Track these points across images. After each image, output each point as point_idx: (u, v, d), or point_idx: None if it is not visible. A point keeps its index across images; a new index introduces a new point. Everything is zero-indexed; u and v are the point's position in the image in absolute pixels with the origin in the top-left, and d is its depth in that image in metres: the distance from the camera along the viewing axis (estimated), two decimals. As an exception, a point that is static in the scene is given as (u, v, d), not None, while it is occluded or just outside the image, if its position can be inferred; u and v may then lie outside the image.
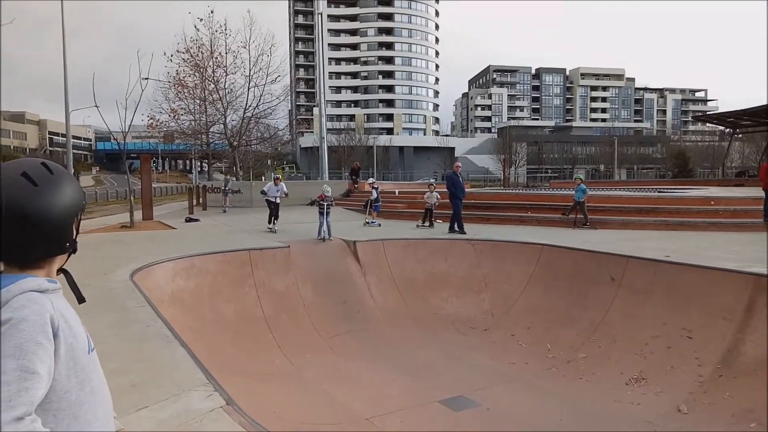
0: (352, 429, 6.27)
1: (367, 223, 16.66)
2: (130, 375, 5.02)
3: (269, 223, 15.01)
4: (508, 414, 7.09)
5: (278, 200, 15.29)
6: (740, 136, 48.50)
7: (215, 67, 32.96)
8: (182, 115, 33.83)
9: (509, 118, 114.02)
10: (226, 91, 33.15)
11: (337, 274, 11.69)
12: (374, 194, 17.96)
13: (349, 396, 7.46)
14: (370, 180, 20.46)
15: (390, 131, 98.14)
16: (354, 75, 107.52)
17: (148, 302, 7.40)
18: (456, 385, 7.99)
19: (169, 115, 33.07)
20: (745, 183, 26.37)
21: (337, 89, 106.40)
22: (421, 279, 12.04)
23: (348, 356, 9.11)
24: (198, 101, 33.93)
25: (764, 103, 29.19)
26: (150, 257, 10.17)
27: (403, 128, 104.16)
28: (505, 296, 11.17)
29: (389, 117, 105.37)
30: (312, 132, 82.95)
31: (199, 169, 63.38)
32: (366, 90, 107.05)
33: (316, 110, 73.71)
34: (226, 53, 32.68)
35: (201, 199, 26.62)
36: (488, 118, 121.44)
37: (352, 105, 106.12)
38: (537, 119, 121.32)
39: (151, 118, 32.31)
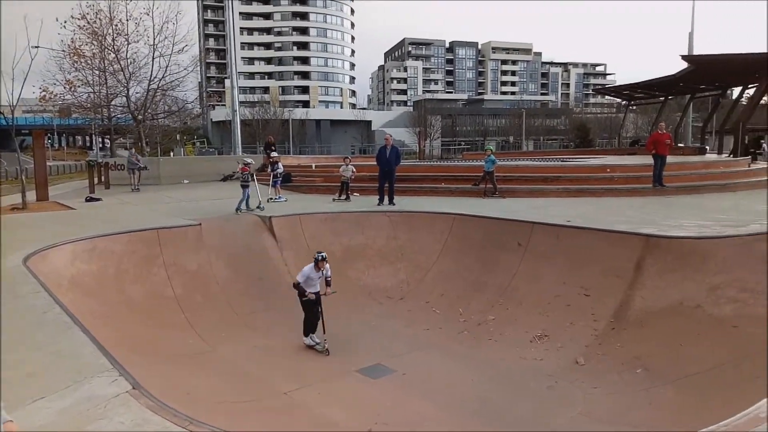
0: (269, 404, 6.27)
1: (272, 199, 16.04)
2: (26, 365, 4.71)
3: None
4: (424, 378, 7.35)
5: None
6: (634, 108, 52.09)
7: (115, 35, 30.67)
8: (79, 87, 31.32)
9: (424, 91, 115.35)
10: (129, 61, 31.00)
11: (252, 251, 11.47)
12: (279, 168, 17.39)
13: (266, 372, 7.42)
14: (274, 155, 19.32)
15: (306, 104, 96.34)
16: (267, 46, 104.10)
17: (43, 288, 6.91)
18: (374, 354, 8.17)
19: (65, 87, 30.51)
20: (637, 151, 28.44)
21: (250, 60, 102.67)
22: (339, 252, 12.06)
23: (265, 333, 9.03)
24: (97, 72, 31.51)
25: (656, 76, 31.47)
26: (46, 240, 9.47)
27: (320, 101, 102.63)
28: (420, 265, 11.46)
29: (305, 89, 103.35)
30: (224, 105, 79.81)
31: (100, 145, 59.29)
32: (280, 62, 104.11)
33: (227, 82, 70.94)
34: (128, 20, 30.47)
35: (103, 178, 24.99)
36: (404, 91, 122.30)
37: (266, 77, 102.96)
38: (451, 92, 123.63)
39: (44, 91, 29.66)
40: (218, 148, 63.43)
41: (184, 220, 11.66)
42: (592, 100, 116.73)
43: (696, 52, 33.14)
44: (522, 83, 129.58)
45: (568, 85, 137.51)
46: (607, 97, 67.57)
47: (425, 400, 6.61)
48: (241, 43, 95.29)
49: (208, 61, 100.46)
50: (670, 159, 16.33)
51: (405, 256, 11.84)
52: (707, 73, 26.90)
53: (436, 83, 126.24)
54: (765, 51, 23.16)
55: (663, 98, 36.18)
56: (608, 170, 17.69)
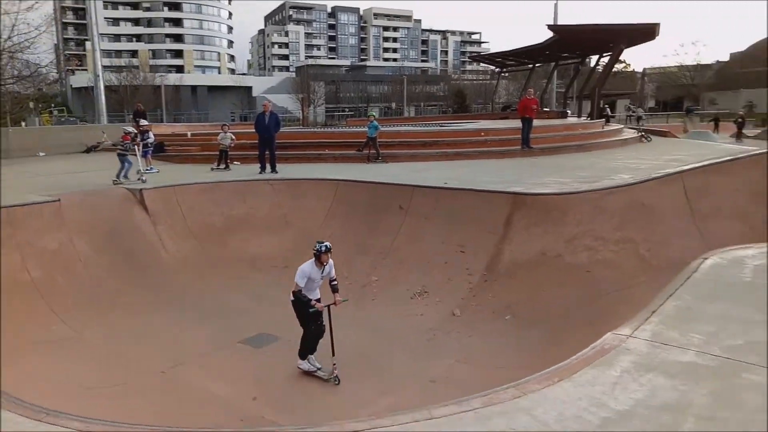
0: (144, 385, 5.96)
1: (141, 171, 14.39)
2: None
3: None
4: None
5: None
6: (506, 74, 54.94)
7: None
8: None
9: (307, 57, 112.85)
10: (-38, 19, 26.92)
11: (121, 227, 10.67)
12: (150, 137, 16.19)
13: (141, 352, 7.03)
14: (143, 123, 17.58)
15: (180, 69, 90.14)
16: (134, 5, 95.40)
17: None
18: (258, 323, 8.04)
19: None
20: (509, 116, 30.13)
21: (115, 21, 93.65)
22: (220, 223, 11.62)
23: (140, 311, 8.51)
24: None
25: (526, 45, 33.29)
26: None
27: (195, 66, 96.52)
28: (306, 232, 11.36)
29: (178, 53, 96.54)
30: (85, 70, 72.50)
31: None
32: (149, 23, 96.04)
33: (88, 44, 64.35)
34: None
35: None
36: (286, 57, 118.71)
37: (134, 39, 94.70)
38: (334, 58, 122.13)
39: None
40: (80, 117, 57.74)
41: (38, 197, 10.53)
42: (468, 67, 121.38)
43: (560, 22, 35.50)
44: (403, 50, 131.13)
45: (446, 52, 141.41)
46: (481, 64, 70.62)
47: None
48: (104, 1, 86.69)
49: (65, 20, 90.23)
50: (536, 122, 17.46)
51: (290, 223, 11.68)
52: (569, 43, 28.91)
53: (319, 49, 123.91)
54: (618, 23, 25.31)
55: (531, 65, 38.49)
56: (482, 134, 18.57)
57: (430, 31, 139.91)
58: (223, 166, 15.39)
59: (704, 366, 3.69)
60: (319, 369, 6.52)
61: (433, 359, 6.74)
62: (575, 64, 35.69)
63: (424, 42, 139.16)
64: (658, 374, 3.60)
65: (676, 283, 5.41)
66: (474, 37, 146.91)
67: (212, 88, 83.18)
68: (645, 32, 24.52)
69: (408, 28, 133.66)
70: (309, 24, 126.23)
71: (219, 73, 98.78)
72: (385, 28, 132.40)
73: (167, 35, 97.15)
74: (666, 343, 4.08)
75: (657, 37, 24.57)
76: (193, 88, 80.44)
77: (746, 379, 3.49)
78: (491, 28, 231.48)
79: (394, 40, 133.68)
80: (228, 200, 12.12)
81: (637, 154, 16.25)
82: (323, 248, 6.47)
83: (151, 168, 15.33)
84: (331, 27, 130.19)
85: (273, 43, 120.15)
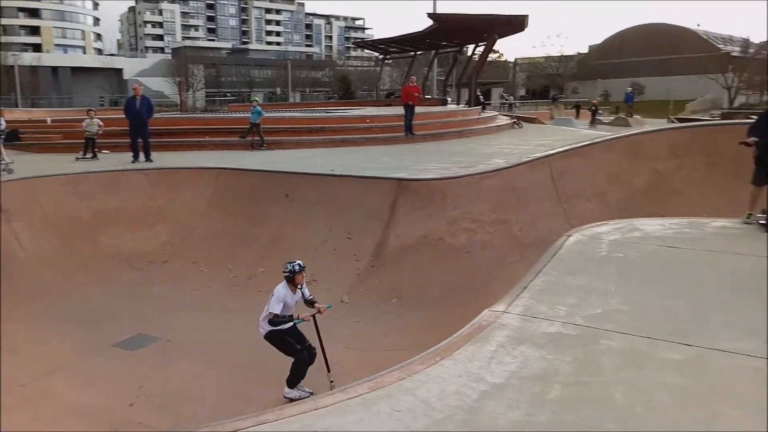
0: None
1: (4, 162, 12.87)
2: None
3: None
4: (192, 341, 7.06)
5: None
6: (390, 61, 55.88)
7: None
8: None
9: (184, 38, 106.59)
10: None
11: (-34, 225, 9.45)
12: (1, 124, 14.45)
13: (-3, 364, 6.30)
14: None
15: (38, 48, 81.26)
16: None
17: None
18: (134, 324, 7.54)
19: None
20: (392, 103, 30.73)
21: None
22: (87, 218, 10.69)
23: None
24: None
25: (408, 32, 33.98)
26: None
27: (56, 45, 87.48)
28: (185, 224, 10.82)
29: (35, 30, 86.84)
30: None
31: None
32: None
33: None
34: None
35: None
36: (160, 37, 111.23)
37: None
38: (213, 40, 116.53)
39: None
40: None
41: None
42: (353, 53, 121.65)
43: (440, 10, 36.63)
44: (287, 34, 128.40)
45: (331, 38, 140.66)
46: (366, 50, 71.14)
47: (193, 363, 6.38)
48: (-68, -33, 75.45)
49: None
50: (419, 109, 17.97)
51: (166, 216, 11.03)
52: (447, 31, 29.96)
53: (197, 30, 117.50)
54: (491, 14, 26.65)
55: (413, 53, 39.44)
56: (367, 121, 18.77)
57: (314, 15, 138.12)
58: (90, 155, 14.16)
59: (568, 335, 4.03)
60: (311, 394, 5.72)
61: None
62: (454, 53, 37.10)
63: (308, 26, 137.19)
64: (529, 346, 3.86)
65: (544, 259, 5.84)
66: (358, 23, 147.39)
67: (77, 70, 75.78)
68: (515, 23, 26.04)
69: (291, 11, 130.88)
70: (185, 2, 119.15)
71: (84, 53, 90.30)
72: (268, 11, 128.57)
73: (20, 9, 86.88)
74: (535, 316, 4.39)
75: (526, 29, 26.23)
76: (54, 69, 72.86)
77: (604, 344, 3.85)
78: (375, 14, 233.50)
79: (277, 23, 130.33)
80: (96, 193, 11.18)
81: (510, 139, 17.33)
82: (297, 267, 5.90)
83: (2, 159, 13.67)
84: (210, 7, 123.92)
85: (145, 22, 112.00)
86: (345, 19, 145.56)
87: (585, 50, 75.15)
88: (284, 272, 5.92)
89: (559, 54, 67.85)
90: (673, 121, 31.39)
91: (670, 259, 5.73)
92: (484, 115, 23.91)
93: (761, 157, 6.70)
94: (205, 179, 11.60)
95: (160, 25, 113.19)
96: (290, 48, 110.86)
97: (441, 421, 2.95)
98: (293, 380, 5.89)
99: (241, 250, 9.73)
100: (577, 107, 36.31)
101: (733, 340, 3.78)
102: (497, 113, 27.61)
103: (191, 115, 27.89)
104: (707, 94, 55.72)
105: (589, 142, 11.63)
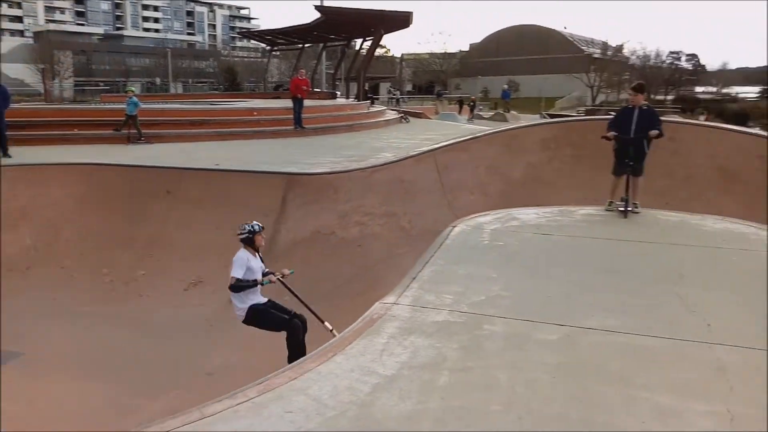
0: None
1: None
2: None
3: None
4: (62, 352, 6.46)
5: None
6: (277, 53, 54.70)
7: None
8: None
9: (47, 21, 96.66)
10: None
11: None
12: None
13: None
14: None
15: None
16: None
17: None
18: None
19: None
20: (281, 95, 30.11)
21: None
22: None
23: None
24: None
25: (296, 24, 33.40)
26: None
27: None
28: (52, 226, 9.85)
29: None
30: None
31: None
32: None
33: None
34: None
35: None
36: (19, 19, 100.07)
37: None
38: (83, 24, 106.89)
39: None
40: None
41: None
42: (239, 43, 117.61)
43: (328, 3, 36.39)
44: (166, 21, 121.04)
45: (214, 26, 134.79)
46: (252, 41, 69.03)
47: (64, 376, 5.84)
48: None
49: None
50: (308, 103, 17.77)
51: (30, 217, 9.95)
52: (334, 24, 29.89)
53: (63, 12, 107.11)
54: (377, 9, 26.92)
55: (301, 45, 38.90)
56: (255, 113, 18.23)
57: (196, 2, 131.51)
58: (-70, 150, 12.40)
59: (455, 323, 4.19)
60: None
61: (212, 351, 6.49)
62: (342, 47, 37.11)
63: (190, 14, 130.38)
64: (418, 336, 3.97)
65: (432, 250, 6.04)
66: (243, 12, 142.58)
67: None
68: (401, 19, 26.57)
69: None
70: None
71: None
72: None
73: None
74: (424, 306, 4.52)
75: (411, 25, 26.88)
76: None
77: (487, 329, 4.06)
78: (262, 4, 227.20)
79: (155, 8, 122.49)
80: (-60, 193, 9.83)
81: (398, 133, 17.71)
82: (256, 227, 5.47)
83: None
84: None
85: (1, 1, 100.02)
86: (229, 7, 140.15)
87: (466, 48, 78.65)
88: (240, 234, 5.46)
89: (442, 51, 70.53)
90: (544, 117, 33.84)
91: (545, 246, 6.17)
92: (372, 109, 24.19)
93: (619, 150, 7.42)
94: (76, 176, 10.62)
95: (18, 5, 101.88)
96: (170, 36, 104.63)
97: (334, 418, 2.95)
98: (295, 356, 5.30)
99: (118, 251, 9.05)
100: (460, 103, 37.95)
101: (600, 319, 4.15)
102: (385, 108, 28.07)
103: (57, 106, 25.46)
104: (574, 92, 60.82)
105: (470, 137, 12.20)
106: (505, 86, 43.72)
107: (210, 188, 9.90)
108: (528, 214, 7.49)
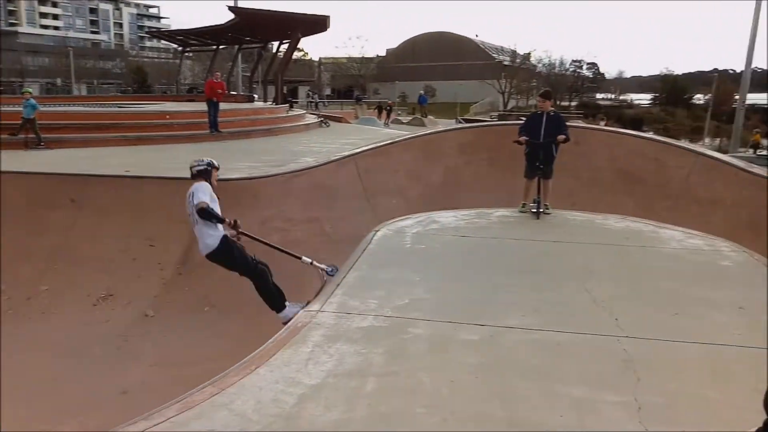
0: None
1: None
2: None
3: None
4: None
5: None
6: (190, 54, 52.73)
7: None
8: None
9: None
10: None
11: None
12: None
13: None
14: None
15: None
16: None
17: None
18: None
19: None
20: (195, 98, 29.02)
21: None
22: None
23: None
24: None
25: (211, 24, 32.30)
26: None
27: None
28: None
29: None
30: None
31: None
32: None
33: None
34: None
35: None
36: None
37: None
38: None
39: None
40: None
41: None
42: (148, 43, 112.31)
43: (242, 4, 35.54)
44: (67, 18, 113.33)
45: (121, 25, 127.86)
46: (163, 41, 66.05)
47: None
48: None
49: None
50: (224, 106, 17.24)
51: None
52: (250, 26, 29.23)
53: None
54: (294, 12, 26.62)
55: (216, 47, 37.71)
56: (167, 117, 17.46)
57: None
58: None
59: (379, 327, 4.22)
60: (308, 303, 5.02)
61: (125, 368, 6.12)
62: (258, 49, 36.40)
63: (93, 11, 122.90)
64: (344, 342, 3.96)
65: (356, 255, 6.06)
66: (152, 11, 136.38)
67: None
68: (318, 23, 26.46)
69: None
70: None
71: None
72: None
73: None
74: (349, 312, 4.52)
75: (329, 29, 26.83)
76: None
77: (411, 332, 4.12)
78: (172, 2, 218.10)
79: (54, 4, 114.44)
80: None
81: (318, 138, 17.59)
82: (214, 163, 5.44)
83: None
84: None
85: None
86: (137, 5, 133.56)
87: (383, 53, 79.59)
88: (198, 166, 5.35)
89: (360, 56, 71.00)
90: (460, 122, 34.92)
91: (464, 247, 6.35)
92: (292, 113, 23.89)
93: (530, 154, 7.78)
94: (-37, 185, 9.69)
95: None
96: (72, 34, 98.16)
97: (259, 432, 2.87)
98: (275, 300, 5.42)
99: (18, 265, 8.33)
100: (380, 107, 38.34)
101: (519, 317, 4.33)
102: (305, 111, 27.83)
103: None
104: (487, 97, 63.28)
105: (390, 142, 12.34)
106: (422, 92, 44.70)
107: (120, 196, 9.36)
108: (447, 217, 7.69)
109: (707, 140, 45.32)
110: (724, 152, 27.03)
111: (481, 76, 63.13)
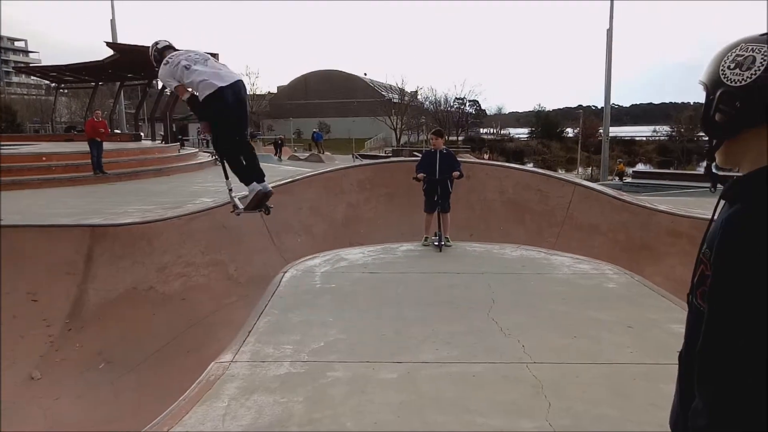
0: None
1: None
2: None
3: None
4: None
5: None
6: (66, 91, 49.28)
7: None
8: None
9: None
10: None
11: None
12: None
13: None
14: None
15: None
16: None
17: None
18: None
19: None
20: (74, 138, 27.03)
21: None
22: None
23: None
24: None
25: (89, 60, 30.44)
26: None
27: None
28: None
29: None
30: None
31: None
32: None
33: None
34: None
35: None
36: None
37: None
38: None
39: None
40: None
41: None
42: (15, 79, 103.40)
43: (121, 40, 33.96)
44: None
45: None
46: (33, 77, 61.12)
47: None
48: None
49: None
50: (108, 146, 16.29)
51: None
52: (133, 62, 27.94)
53: None
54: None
55: (95, 84, 35.58)
56: (44, 159, 16.13)
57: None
58: None
59: (297, 374, 4.15)
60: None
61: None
62: (143, 85, 34.89)
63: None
64: (261, 393, 3.84)
65: (265, 299, 5.92)
66: (18, 44, 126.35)
67: None
68: (209, 61, 25.96)
69: None
70: None
71: None
72: None
73: None
74: (264, 360, 4.40)
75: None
76: None
77: (330, 376, 4.09)
78: (38, 35, 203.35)
79: None
80: None
81: (214, 177, 17.03)
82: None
83: None
84: None
85: None
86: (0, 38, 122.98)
87: (275, 90, 79.43)
88: (161, 48, 5.76)
89: (251, 93, 70.30)
90: (357, 157, 35.60)
91: (374, 284, 6.45)
92: (184, 151, 23.08)
93: (428, 189, 8.16)
94: None
95: None
96: None
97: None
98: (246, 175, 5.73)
99: None
100: (276, 144, 38.14)
101: (432, 351, 4.46)
102: (197, 150, 26.95)
103: None
104: (380, 133, 65.16)
105: (291, 180, 12.29)
106: (316, 129, 45.13)
107: (-7, 247, 8.44)
108: (355, 254, 7.77)
109: (580, 170, 49.84)
110: (596, 180, 29.85)
111: (373, 113, 65.02)
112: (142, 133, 31.08)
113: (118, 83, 34.77)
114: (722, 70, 1.16)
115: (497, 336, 4.77)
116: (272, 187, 11.39)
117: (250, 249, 9.42)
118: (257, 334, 4.94)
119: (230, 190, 6.15)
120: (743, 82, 1.11)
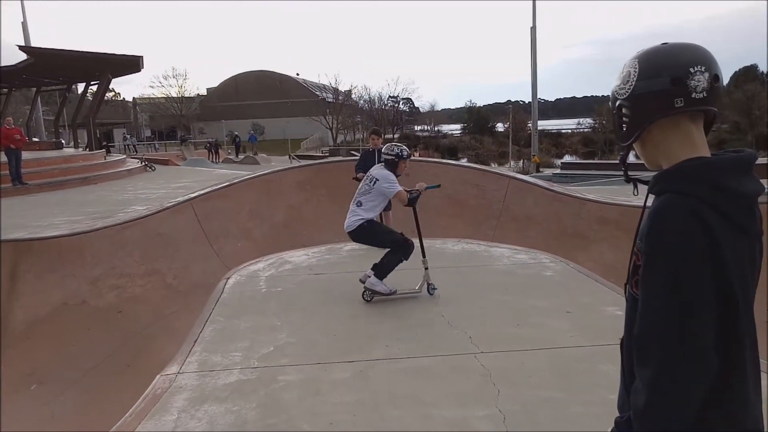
0: None
1: None
2: None
3: None
4: None
5: None
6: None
7: None
8: None
9: None
10: None
11: None
12: None
13: None
14: None
15: None
16: None
17: None
18: None
19: None
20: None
21: None
22: None
23: None
24: None
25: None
26: None
27: None
28: None
29: None
30: None
31: None
32: None
33: None
34: None
35: None
36: None
37: None
38: None
39: None
40: None
41: None
42: None
43: (35, 43, 31.92)
44: None
45: None
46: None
47: None
48: None
49: None
50: (27, 155, 15.32)
51: None
52: (50, 67, 26.35)
53: None
54: (101, 52, 24.64)
55: (7, 90, 33.29)
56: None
57: None
58: None
59: (248, 380, 4.08)
60: (394, 292, 5.60)
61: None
62: (62, 91, 33.00)
63: None
64: (212, 403, 3.75)
65: (209, 306, 5.77)
66: None
67: None
68: (130, 64, 24.90)
69: None
70: None
71: None
72: None
73: None
74: (212, 369, 4.30)
75: (143, 69, 25.34)
76: None
77: (282, 380, 4.05)
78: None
79: None
80: None
81: (145, 183, 16.44)
82: (404, 154, 6.18)
83: None
84: None
85: None
86: None
87: (204, 92, 77.11)
88: (386, 156, 5.95)
89: (179, 95, 68.09)
90: (294, 158, 35.19)
91: (321, 285, 6.42)
92: (110, 158, 22.03)
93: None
94: None
95: None
96: None
97: None
98: (383, 270, 5.60)
99: None
100: (209, 147, 37.12)
101: (383, 348, 4.50)
102: (125, 156, 25.80)
103: None
104: (315, 133, 64.68)
105: (227, 183, 12.01)
106: (251, 131, 44.25)
107: None
108: (299, 256, 7.70)
109: (512, 163, 51.44)
110: (527, 173, 30.94)
111: (308, 113, 64.46)
112: (63, 140, 29.40)
113: (35, 89, 32.70)
114: (615, 87, 1.38)
115: (445, 329, 4.88)
116: (208, 192, 11.15)
117: (188, 256, 9.14)
118: (203, 343, 4.82)
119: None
120: (627, 94, 1.34)
